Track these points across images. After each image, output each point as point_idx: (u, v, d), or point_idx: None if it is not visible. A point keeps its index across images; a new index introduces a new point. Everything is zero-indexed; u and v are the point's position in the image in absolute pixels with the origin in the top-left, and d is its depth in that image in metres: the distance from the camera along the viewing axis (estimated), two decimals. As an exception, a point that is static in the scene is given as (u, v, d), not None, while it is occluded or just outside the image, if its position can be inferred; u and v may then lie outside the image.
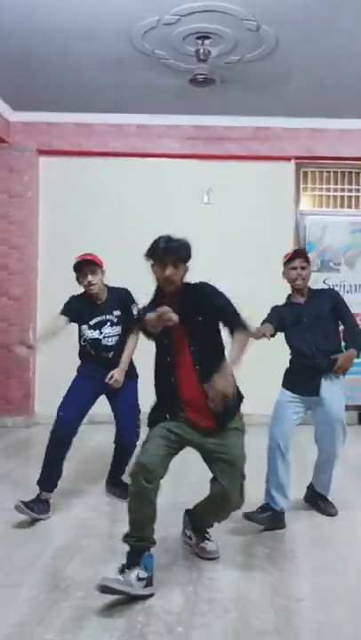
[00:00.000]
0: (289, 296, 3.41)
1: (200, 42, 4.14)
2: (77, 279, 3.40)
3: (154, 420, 2.65)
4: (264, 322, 3.24)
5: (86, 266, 3.36)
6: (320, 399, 3.19)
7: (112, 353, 3.42)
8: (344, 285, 5.88)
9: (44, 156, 5.83)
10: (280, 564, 2.71)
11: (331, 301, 3.33)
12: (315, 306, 3.31)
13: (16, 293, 5.71)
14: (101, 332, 3.41)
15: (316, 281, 5.85)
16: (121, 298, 3.48)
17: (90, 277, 3.35)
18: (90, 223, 5.70)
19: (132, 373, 3.49)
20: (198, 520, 2.83)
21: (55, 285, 5.65)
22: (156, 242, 2.54)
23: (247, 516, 3.06)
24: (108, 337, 3.42)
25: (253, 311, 2.81)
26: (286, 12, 3.75)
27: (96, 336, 3.41)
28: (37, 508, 3.17)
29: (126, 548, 2.48)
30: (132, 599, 2.31)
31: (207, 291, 2.65)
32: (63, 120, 5.70)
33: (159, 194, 5.80)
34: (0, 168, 5.71)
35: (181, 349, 2.55)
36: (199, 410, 2.54)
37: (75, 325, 3.48)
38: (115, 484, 3.63)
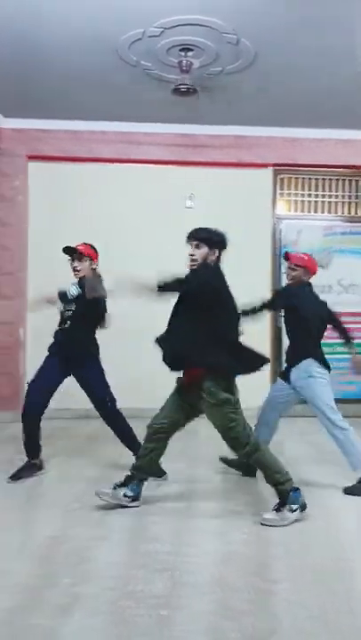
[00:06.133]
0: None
1: (183, 53, 4.14)
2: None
3: None
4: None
5: (74, 253, 3.67)
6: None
7: (69, 323, 3.65)
8: (318, 286, 5.91)
9: (33, 161, 5.78)
10: (257, 548, 2.72)
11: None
12: None
13: (8, 293, 5.65)
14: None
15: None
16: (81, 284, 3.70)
17: (75, 263, 3.66)
18: (77, 226, 5.64)
19: (93, 352, 3.69)
20: None
21: (45, 285, 5.58)
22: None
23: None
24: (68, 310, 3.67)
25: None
26: (265, 26, 3.76)
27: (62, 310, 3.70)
28: (27, 473, 3.59)
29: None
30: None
31: None
32: (52, 127, 5.66)
33: (144, 198, 5.79)
34: (-9, 173, 5.65)
35: None
36: None
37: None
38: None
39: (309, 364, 3.51)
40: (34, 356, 5.53)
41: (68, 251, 3.66)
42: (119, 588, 2.32)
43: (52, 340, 3.65)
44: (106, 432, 3.82)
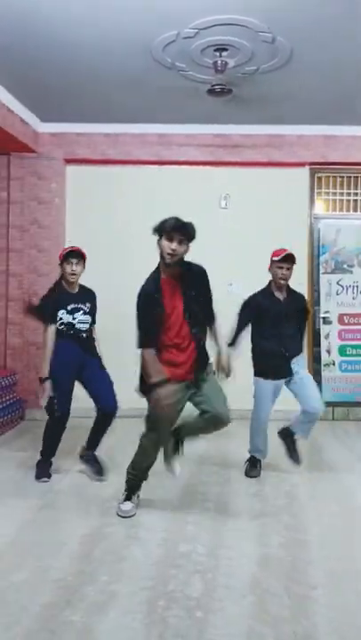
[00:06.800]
0: (268, 289, 3.80)
1: (218, 54, 4.12)
2: (61, 265, 3.72)
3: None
4: (244, 315, 3.77)
5: (74, 256, 3.67)
6: (294, 375, 3.71)
7: (85, 334, 3.73)
8: (357, 286, 5.82)
9: (70, 164, 5.88)
10: (295, 552, 2.69)
11: (300, 303, 3.87)
12: (292, 302, 3.79)
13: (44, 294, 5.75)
14: (74, 318, 3.67)
15: (330, 282, 5.82)
16: (91, 297, 3.82)
17: (74, 267, 3.66)
18: (113, 228, 5.74)
19: (96, 353, 3.79)
20: (184, 429, 3.09)
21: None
22: (166, 220, 2.89)
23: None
24: (81, 323, 3.70)
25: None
26: (301, 23, 3.71)
27: (70, 320, 3.66)
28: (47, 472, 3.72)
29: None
30: None
31: (206, 278, 3.02)
32: (88, 130, 5.74)
33: (179, 199, 5.78)
34: (30, 176, 5.77)
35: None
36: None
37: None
38: (91, 457, 3.79)
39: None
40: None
41: (76, 255, 3.70)
42: (155, 587, 2.33)
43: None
44: (130, 429, 3.81)
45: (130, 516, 3.07)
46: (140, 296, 2.92)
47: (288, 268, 3.69)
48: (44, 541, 2.79)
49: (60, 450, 3.78)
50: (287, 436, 3.83)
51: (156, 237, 2.92)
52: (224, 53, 4.11)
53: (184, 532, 2.89)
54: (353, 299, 5.78)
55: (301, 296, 3.94)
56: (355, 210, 5.95)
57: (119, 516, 3.08)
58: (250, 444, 3.88)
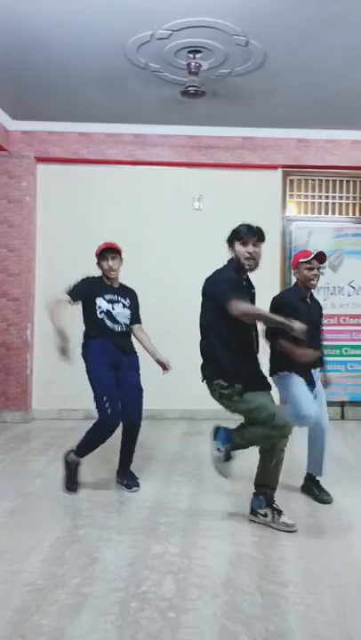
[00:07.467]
0: (299, 292, 3.47)
1: (191, 55, 4.15)
2: (99, 264, 3.58)
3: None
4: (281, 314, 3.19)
5: (109, 252, 3.54)
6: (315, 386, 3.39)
7: (124, 328, 3.56)
8: (328, 287, 5.92)
9: (41, 163, 5.83)
10: (267, 551, 2.72)
11: (320, 311, 3.61)
12: (315, 308, 3.54)
13: (14, 294, 5.69)
14: (114, 308, 3.54)
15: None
16: (131, 294, 3.69)
17: (111, 263, 3.54)
18: (85, 227, 5.69)
19: (134, 350, 3.64)
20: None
21: (52, 286, 5.63)
22: (246, 225, 2.98)
23: None
24: (120, 315, 3.55)
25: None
26: (274, 27, 3.77)
27: (109, 309, 3.52)
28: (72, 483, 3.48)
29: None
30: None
31: None
32: (61, 129, 5.70)
33: (153, 200, 5.81)
34: (0, 175, 5.70)
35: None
36: None
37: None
38: (124, 471, 3.61)
39: None
40: (41, 357, 5.61)
41: (108, 250, 3.54)
42: (128, 589, 2.33)
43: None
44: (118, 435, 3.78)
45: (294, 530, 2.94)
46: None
47: (319, 268, 3.43)
48: (14, 545, 2.75)
49: (31, 450, 3.73)
50: (311, 484, 3.49)
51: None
52: (198, 55, 4.14)
53: (157, 533, 2.90)
54: (324, 300, 5.88)
55: (319, 302, 3.66)
56: (326, 212, 6.07)
57: (284, 530, 2.94)
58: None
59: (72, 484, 3.47)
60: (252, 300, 3.08)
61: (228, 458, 2.99)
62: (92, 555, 2.64)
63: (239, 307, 2.76)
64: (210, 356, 2.99)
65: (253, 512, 3.06)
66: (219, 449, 3.00)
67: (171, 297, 5.52)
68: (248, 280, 3.11)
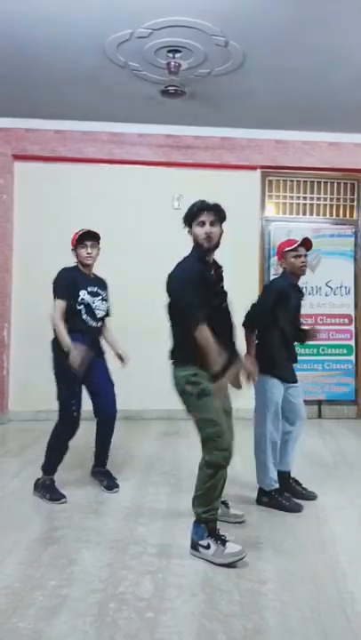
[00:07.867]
0: (290, 279, 3.44)
1: (171, 55, 4.16)
2: (75, 250, 3.50)
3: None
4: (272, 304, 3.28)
5: (88, 238, 3.47)
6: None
7: (100, 323, 3.53)
8: (306, 287, 5.99)
9: (19, 160, 5.77)
10: (245, 549, 2.74)
11: (302, 294, 3.60)
12: (300, 293, 3.53)
13: (-9, 294, 5.62)
14: (94, 302, 3.49)
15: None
16: (106, 286, 3.64)
17: (89, 249, 3.47)
18: (62, 226, 5.62)
19: (102, 352, 3.60)
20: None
21: (28, 286, 5.61)
22: (200, 201, 2.86)
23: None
24: (98, 309, 3.51)
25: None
26: (254, 28, 3.80)
27: (90, 302, 3.47)
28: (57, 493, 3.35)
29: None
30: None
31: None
32: (39, 127, 5.65)
33: (132, 199, 5.80)
34: (-24, 172, 5.63)
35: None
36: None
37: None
38: (102, 471, 3.59)
39: None
40: (17, 357, 5.55)
41: (87, 235, 3.49)
42: (106, 590, 2.33)
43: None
44: (92, 433, 3.78)
45: (242, 557, 2.60)
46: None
47: (306, 255, 3.37)
48: (-10, 548, 2.73)
49: (8, 451, 3.70)
50: (286, 483, 3.42)
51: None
52: (177, 55, 4.15)
53: (135, 534, 2.90)
54: (302, 299, 5.96)
55: (300, 287, 3.58)
56: (304, 213, 6.14)
57: (227, 565, 2.57)
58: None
59: (57, 495, 3.34)
60: (221, 284, 2.90)
61: (222, 541, 2.63)
62: (70, 556, 2.63)
63: (201, 334, 2.57)
64: (177, 340, 2.79)
65: (194, 545, 2.68)
66: (208, 545, 2.63)
67: (149, 297, 5.51)
68: (215, 263, 2.89)
